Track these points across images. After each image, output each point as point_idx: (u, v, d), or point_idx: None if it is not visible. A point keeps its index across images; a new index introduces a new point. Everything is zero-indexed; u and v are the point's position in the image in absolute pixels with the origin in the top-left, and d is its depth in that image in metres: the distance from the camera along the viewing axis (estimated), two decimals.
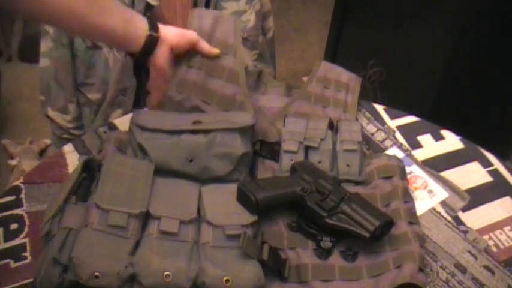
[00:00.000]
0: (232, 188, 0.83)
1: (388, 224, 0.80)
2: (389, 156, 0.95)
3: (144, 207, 0.76)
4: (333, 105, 1.04)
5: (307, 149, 0.93)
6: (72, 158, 0.95)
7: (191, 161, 0.85)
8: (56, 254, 0.70)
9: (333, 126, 0.97)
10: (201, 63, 0.99)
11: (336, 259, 0.80)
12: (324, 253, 0.80)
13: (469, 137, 1.06)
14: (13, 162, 1.89)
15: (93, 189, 0.80)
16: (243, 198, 0.81)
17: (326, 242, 0.80)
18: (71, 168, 0.93)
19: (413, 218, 0.84)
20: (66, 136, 1.44)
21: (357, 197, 0.83)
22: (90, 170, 0.82)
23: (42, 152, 1.94)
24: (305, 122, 0.96)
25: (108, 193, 0.77)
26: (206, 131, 0.86)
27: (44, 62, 1.34)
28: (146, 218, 0.76)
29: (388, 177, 0.90)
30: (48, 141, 1.90)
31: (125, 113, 1.33)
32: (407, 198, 0.87)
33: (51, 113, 1.40)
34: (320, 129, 0.94)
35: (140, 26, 0.93)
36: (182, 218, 0.77)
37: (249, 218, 0.79)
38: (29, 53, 2.20)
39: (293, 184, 0.84)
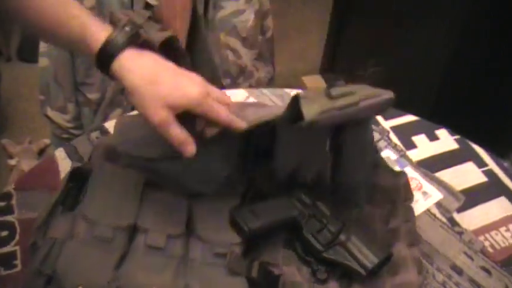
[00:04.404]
0: (225, 201, 0.80)
1: (387, 258, 0.77)
2: (394, 174, 0.91)
3: (132, 219, 0.74)
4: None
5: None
6: (65, 165, 0.93)
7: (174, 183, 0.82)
8: (39, 265, 0.69)
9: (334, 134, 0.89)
10: None
11: (332, 284, 0.77)
12: (319, 282, 0.77)
13: (469, 137, 1.06)
14: (12, 162, 1.88)
15: (82, 198, 0.78)
16: (235, 225, 0.77)
17: (322, 273, 0.77)
18: (63, 175, 0.91)
19: (413, 239, 0.82)
20: (65, 136, 1.44)
21: (356, 225, 0.79)
22: (79, 178, 0.80)
23: (41, 152, 1.93)
24: (299, 138, 0.85)
25: (96, 204, 0.75)
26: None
27: (43, 61, 1.34)
28: (134, 230, 0.74)
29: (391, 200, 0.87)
30: (47, 141, 1.89)
31: (124, 112, 1.33)
32: (409, 217, 0.84)
33: (51, 112, 1.40)
34: (317, 156, 0.86)
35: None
36: (170, 232, 0.74)
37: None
38: (28, 53, 2.20)
39: (289, 208, 0.80)
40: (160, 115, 0.63)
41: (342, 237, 0.77)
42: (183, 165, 0.80)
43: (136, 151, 0.82)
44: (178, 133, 0.65)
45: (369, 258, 0.75)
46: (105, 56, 0.64)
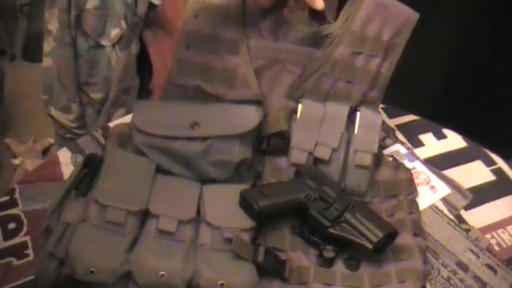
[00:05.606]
0: (235, 188, 0.82)
1: (392, 234, 0.79)
2: (397, 166, 0.91)
3: (143, 204, 0.76)
4: (359, 79, 0.93)
5: (316, 159, 0.88)
6: (66, 157, 0.95)
7: (188, 165, 0.84)
8: (52, 248, 0.70)
9: (350, 112, 0.91)
10: (199, 41, 0.92)
11: (338, 266, 0.79)
12: (327, 262, 0.79)
13: (472, 137, 1.06)
14: (16, 161, 1.89)
15: (95, 184, 0.79)
16: (245, 205, 0.80)
17: (329, 251, 0.79)
18: (63, 167, 0.93)
19: (418, 230, 0.83)
20: (69, 135, 1.45)
21: (361, 205, 0.82)
22: (92, 165, 0.82)
23: (45, 151, 1.94)
24: (320, 115, 0.89)
25: (108, 189, 0.77)
26: (202, 138, 0.84)
27: (47, 61, 1.35)
28: (145, 215, 0.76)
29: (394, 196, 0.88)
30: (51, 140, 1.90)
31: (127, 112, 1.33)
32: (413, 209, 0.86)
33: (54, 112, 1.41)
34: (334, 136, 0.88)
35: None
36: (181, 217, 0.76)
37: (249, 222, 0.78)
38: (33, 52, 2.20)
39: (297, 191, 0.83)
40: None
41: (348, 215, 0.79)
42: (202, 146, 0.83)
43: (154, 130, 0.84)
44: None
45: (374, 233, 0.77)
46: None
